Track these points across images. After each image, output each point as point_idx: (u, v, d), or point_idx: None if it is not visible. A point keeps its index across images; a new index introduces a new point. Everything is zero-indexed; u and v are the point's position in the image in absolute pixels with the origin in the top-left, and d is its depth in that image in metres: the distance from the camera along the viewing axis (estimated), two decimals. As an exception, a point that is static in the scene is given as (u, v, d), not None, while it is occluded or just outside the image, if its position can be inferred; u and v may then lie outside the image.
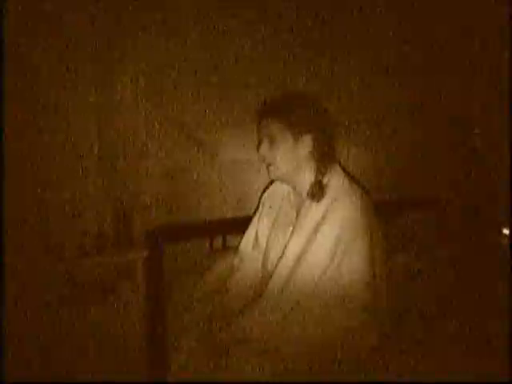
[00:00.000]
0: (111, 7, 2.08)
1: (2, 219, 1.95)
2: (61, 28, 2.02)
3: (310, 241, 1.73)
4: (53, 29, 2.01)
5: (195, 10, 2.21)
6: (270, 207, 2.00)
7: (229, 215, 2.39)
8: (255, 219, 2.05)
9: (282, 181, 1.90)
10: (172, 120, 2.24)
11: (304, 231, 1.76)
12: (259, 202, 2.09)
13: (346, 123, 2.50)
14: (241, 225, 2.13)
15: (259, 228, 2.01)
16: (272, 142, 1.79)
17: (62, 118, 2.07)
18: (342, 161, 1.97)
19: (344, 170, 1.87)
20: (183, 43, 2.21)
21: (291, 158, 1.79)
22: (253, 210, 2.29)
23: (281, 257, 1.78)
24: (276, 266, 1.79)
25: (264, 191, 2.09)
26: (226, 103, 2.31)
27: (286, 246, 1.79)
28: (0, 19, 1.86)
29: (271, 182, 2.06)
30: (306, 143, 1.78)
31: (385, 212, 2.33)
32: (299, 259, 1.73)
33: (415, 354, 1.72)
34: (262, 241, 1.98)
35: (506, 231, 2.75)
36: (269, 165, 1.82)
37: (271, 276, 1.78)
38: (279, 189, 1.99)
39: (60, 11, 2.00)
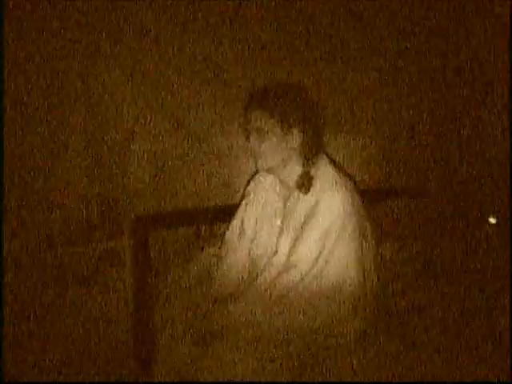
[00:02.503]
0: None
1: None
2: (50, 17, 2.00)
3: (299, 234, 1.74)
4: (42, 19, 1.99)
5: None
6: (256, 197, 1.99)
7: (215, 203, 2.39)
8: (240, 209, 2.04)
9: (270, 173, 1.89)
10: (159, 107, 2.22)
11: (294, 225, 1.77)
12: (244, 192, 2.08)
13: (335, 111, 2.50)
14: (228, 213, 2.12)
15: (245, 218, 2.00)
16: (261, 134, 1.76)
17: (48, 106, 2.05)
18: (329, 150, 1.96)
19: (331, 160, 1.87)
20: (170, 29, 2.19)
21: (280, 151, 1.77)
22: (240, 199, 2.29)
23: (275, 252, 1.79)
24: (269, 260, 1.80)
25: (249, 181, 2.08)
26: (214, 91, 2.30)
27: (277, 241, 1.80)
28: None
29: (256, 172, 2.05)
30: (296, 136, 1.76)
31: (372, 201, 2.34)
32: (290, 253, 1.74)
33: (411, 351, 1.73)
34: (248, 231, 1.97)
35: (492, 220, 2.77)
36: (257, 157, 1.80)
37: (264, 269, 1.80)
38: (264, 179, 1.97)
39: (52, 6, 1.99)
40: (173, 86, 2.23)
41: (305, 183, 1.77)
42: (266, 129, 1.75)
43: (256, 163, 1.82)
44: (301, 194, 1.77)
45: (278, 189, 1.91)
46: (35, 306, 2.10)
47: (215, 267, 1.99)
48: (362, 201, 1.82)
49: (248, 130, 1.82)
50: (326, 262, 1.69)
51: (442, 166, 2.82)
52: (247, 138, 1.82)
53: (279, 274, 1.73)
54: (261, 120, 1.75)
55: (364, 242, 1.78)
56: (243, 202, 2.04)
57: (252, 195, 2.01)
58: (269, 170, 1.86)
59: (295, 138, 1.76)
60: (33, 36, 1.99)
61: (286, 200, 1.85)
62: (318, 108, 1.83)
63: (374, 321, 1.79)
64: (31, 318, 2.09)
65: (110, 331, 2.19)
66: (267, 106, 1.74)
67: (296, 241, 1.74)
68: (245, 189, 2.09)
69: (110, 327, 2.19)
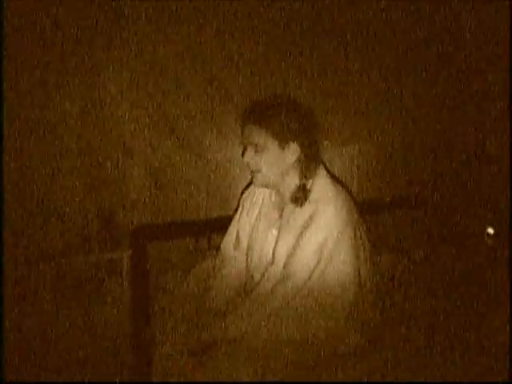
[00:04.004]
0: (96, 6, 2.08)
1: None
2: (47, 28, 2.02)
3: (296, 245, 1.74)
4: (39, 27, 2.00)
5: (184, 7, 2.21)
6: (250, 207, 2.00)
7: (214, 214, 2.39)
8: (235, 219, 2.05)
9: (267, 187, 1.88)
10: (157, 119, 2.23)
11: (290, 235, 1.77)
12: (239, 202, 2.09)
13: (332, 122, 2.51)
14: (226, 224, 2.12)
15: (240, 228, 2.00)
16: (258, 149, 1.76)
17: (46, 117, 2.06)
18: (326, 161, 1.97)
19: (328, 171, 1.87)
20: (169, 42, 2.20)
21: (278, 166, 1.77)
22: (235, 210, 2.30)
23: (271, 263, 1.79)
24: (266, 270, 1.80)
25: (243, 191, 2.09)
26: (212, 102, 2.30)
27: (274, 251, 1.80)
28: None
29: (251, 182, 2.04)
30: (293, 150, 1.76)
31: (370, 212, 2.35)
32: (287, 263, 1.74)
33: (412, 354, 1.73)
34: (244, 241, 1.98)
35: (490, 230, 2.77)
36: (254, 172, 1.80)
37: (260, 279, 1.80)
38: (259, 189, 1.97)
39: (48, 10, 2.00)
40: (171, 97, 2.24)
41: (300, 196, 1.77)
42: (263, 143, 1.74)
43: (254, 179, 1.82)
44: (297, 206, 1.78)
45: (273, 199, 1.92)
46: (34, 315, 2.10)
47: (212, 278, 1.99)
48: (358, 212, 1.83)
49: (244, 144, 1.82)
50: (323, 272, 1.70)
51: (439, 175, 2.82)
52: (243, 153, 1.82)
53: (276, 284, 1.74)
54: (257, 136, 1.74)
55: (361, 252, 1.78)
56: (237, 213, 2.05)
57: (247, 205, 2.01)
58: (268, 186, 1.86)
59: (293, 153, 1.76)
60: (31, 49, 2.01)
61: (281, 210, 1.86)
62: (314, 120, 1.83)
63: (372, 331, 1.79)
64: (30, 327, 2.10)
65: (108, 341, 2.19)
66: (263, 122, 1.73)
67: (293, 251, 1.74)
68: (239, 199, 2.09)
69: (107, 337, 2.19)
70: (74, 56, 2.07)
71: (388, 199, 2.64)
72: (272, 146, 1.74)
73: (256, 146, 1.76)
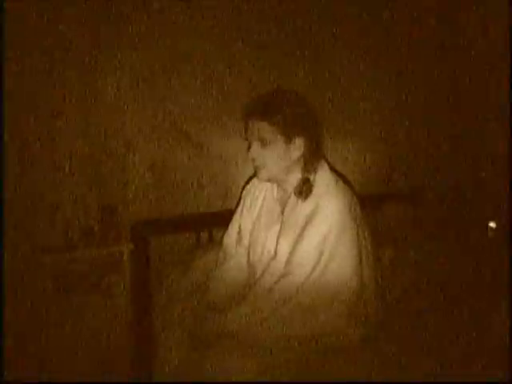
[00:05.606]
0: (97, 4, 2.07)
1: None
2: (48, 25, 2.01)
3: (298, 240, 1.74)
4: (39, 26, 2.00)
5: (184, 7, 2.21)
6: (252, 202, 1.99)
7: (215, 209, 2.40)
8: (237, 214, 2.04)
9: (271, 181, 1.88)
10: (158, 114, 2.23)
11: (292, 230, 1.76)
12: (240, 197, 2.08)
13: (335, 117, 2.50)
14: (227, 219, 2.12)
15: (242, 223, 2.00)
16: (263, 144, 1.75)
17: (47, 112, 2.06)
18: (328, 155, 1.96)
19: (330, 166, 1.87)
20: (169, 36, 2.20)
21: (282, 161, 1.76)
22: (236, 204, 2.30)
23: (273, 258, 1.79)
24: (268, 265, 1.80)
25: (245, 185, 2.08)
26: (214, 97, 2.30)
27: (276, 246, 1.79)
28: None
29: (252, 176, 2.03)
30: (298, 145, 1.76)
31: (371, 207, 2.34)
32: (289, 258, 1.74)
33: (410, 352, 1.73)
34: (246, 236, 1.97)
35: (492, 225, 2.77)
36: (259, 167, 1.80)
37: (262, 274, 1.80)
38: (261, 183, 1.96)
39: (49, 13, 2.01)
40: (173, 92, 2.24)
41: (304, 190, 1.76)
42: (268, 138, 1.73)
43: (258, 173, 1.81)
44: (299, 200, 1.77)
45: (275, 193, 1.91)
46: (35, 309, 2.10)
47: (214, 272, 1.99)
48: (360, 206, 1.82)
49: (249, 139, 1.80)
50: (325, 267, 1.69)
51: (441, 170, 2.82)
52: (248, 148, 1.81)
53: (278, 279, 1.73)
54: (264, 130, 1.73)
55: (362, 247, 1.78)
56: (239, 208, 2.04)
57: (248, 200, 2.00)
58: (272, 181, 1.86)
59: (297, 148, 1.76)
60: (33, 43, 2.01)
61: (283, 204, 1.85)
62: (317, 115, 1.82)
63: (374, 326, 1.79)
64: (31, 321, 2.10)
65: (109, 336, 2.20)
66: (270, 117, 1.72)
67: (294, 246, 1.74)
68: (241, 194, 2.08)
69: (109, 332, 2.19)
70: (76, 54, 2.08)
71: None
72: (278, 141, 1.74)
73: (262, 140, 1.75)
